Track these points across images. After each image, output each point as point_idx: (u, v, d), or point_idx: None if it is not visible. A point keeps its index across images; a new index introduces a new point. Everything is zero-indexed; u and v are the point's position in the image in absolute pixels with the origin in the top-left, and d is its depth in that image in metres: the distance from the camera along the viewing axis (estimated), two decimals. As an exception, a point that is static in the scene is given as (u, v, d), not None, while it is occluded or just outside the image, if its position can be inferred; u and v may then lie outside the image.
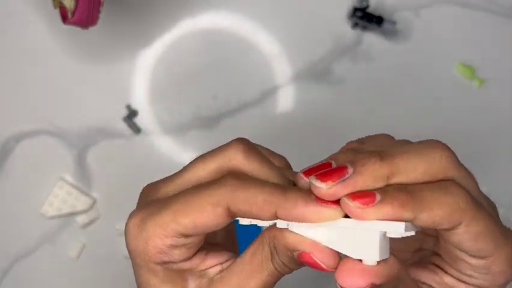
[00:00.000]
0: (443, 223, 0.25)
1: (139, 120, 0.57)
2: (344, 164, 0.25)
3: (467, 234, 0.26)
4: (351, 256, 0.25)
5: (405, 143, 0.30)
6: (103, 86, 0.57)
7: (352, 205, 0.24)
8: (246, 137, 0.30)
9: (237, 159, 0.28)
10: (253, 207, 0.25)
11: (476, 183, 0.28)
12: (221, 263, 0.29)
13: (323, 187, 0.24)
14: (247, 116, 0.57)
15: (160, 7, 0.57)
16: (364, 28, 0.57)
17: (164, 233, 0.27)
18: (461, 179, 0.27)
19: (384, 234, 0.25)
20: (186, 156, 0.57)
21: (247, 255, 0.27)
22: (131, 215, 0.28)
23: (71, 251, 0.57)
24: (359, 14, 0.55)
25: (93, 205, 0.56)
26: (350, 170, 0.25)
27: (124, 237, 0.29)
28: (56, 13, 0.49)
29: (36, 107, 0.57)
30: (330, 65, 0.57)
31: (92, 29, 0.49)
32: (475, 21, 0.58)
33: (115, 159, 0.57)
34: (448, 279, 0.29)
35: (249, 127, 0.57)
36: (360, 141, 0.31)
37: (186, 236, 0.27)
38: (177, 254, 0.27)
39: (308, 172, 0.26)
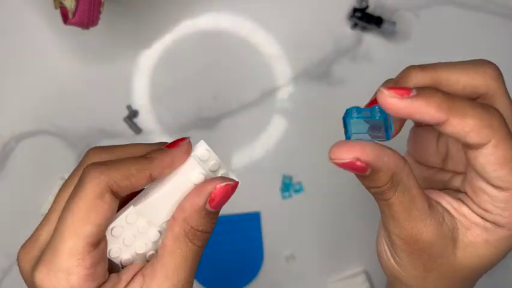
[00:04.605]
0: (472, 135, 0.25)
1: (139, 120, 0.57)
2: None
3: (493, 156, 0.26)
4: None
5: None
6: (103, 86, 0.57)
7: (387, 93, 0.25)
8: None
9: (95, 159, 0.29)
10: (132, 179, 0.27)
11: None
12: (138, 271, 0.29)
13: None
14: (247, 116, 0.57)
15: (160, 8, 0.57)
16: (364, 29, 0.57)
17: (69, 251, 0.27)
18: (504, 100, 0.28)
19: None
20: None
21: (165, 250, 0.28)
22: None
23: (71, 250, 0.56)
24: (358, 14, 0.55)
25: (94, 205, 0.56)
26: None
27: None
28: (57, 13, 0.49)
29: (36, 108, 0.56)
30: (330, 66, 0.57)
31: (92, 29, 0.49)
32: (474, 21, 0.58)
33: (116, 159, 0.57)
34: (465, 210, 0.29)
35: (249, 127, 0.57)
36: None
37: (93, 244, 0.27)
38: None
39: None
